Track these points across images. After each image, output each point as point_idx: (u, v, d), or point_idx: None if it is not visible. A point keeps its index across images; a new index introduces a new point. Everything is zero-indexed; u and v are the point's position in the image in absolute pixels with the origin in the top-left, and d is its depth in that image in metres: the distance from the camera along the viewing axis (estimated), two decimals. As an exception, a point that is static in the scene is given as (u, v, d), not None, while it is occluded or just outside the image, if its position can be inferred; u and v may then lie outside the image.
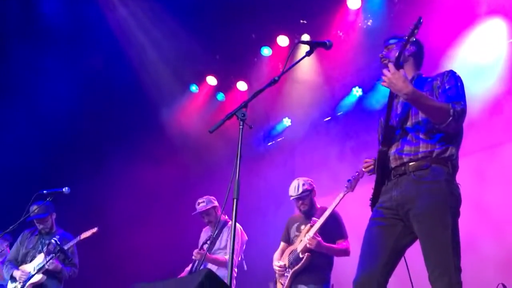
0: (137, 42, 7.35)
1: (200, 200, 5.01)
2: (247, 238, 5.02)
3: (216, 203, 5.02)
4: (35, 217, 4.96)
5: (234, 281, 4.86)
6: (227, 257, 4.75)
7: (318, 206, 4.44)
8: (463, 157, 2.77)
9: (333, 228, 4.27)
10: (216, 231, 4.89)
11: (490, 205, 5.52)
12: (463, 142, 2.79)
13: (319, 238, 4.10)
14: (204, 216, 4.99)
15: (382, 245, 2.67)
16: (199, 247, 5.08)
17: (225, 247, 4.85)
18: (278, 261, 4.38)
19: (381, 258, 2.64)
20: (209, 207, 4.93)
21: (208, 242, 4.82)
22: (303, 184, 4.38)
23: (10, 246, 5.65)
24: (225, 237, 4.87)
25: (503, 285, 4.37)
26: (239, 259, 4.91)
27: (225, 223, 4.98)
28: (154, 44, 7.39)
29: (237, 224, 4.87)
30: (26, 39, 6.85)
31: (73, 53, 7.00)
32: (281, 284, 4.29)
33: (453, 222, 2.56)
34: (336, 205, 4.11)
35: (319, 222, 4.13)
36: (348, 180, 4.04)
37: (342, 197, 4.09)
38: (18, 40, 6.84)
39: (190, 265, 4.97)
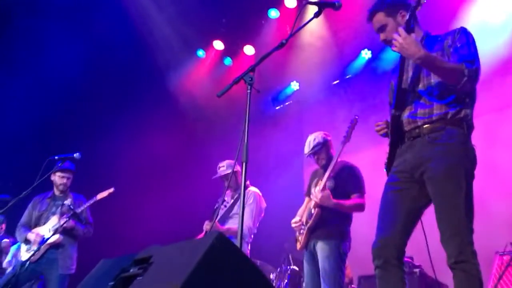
0: (141, 6, 7.25)
1: (221, 164, 4.98)
2: (265, 205, 4.99)
3: (237, 168, 4.98)
4: (67, 167, 5.10)
5: (248, 246, 4.85)
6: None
7: (338, 160, 4.19)
8: (476, 118, 2.74)
9: (348, 182, 4.10)
10: (236, 196, 4.89)
11: (501, 165, 5.51)
12: (477, 102, 2.75)
13: (325, 193, 3.96)
14: (224, 181, 4.97)
15: (399, 209, 2.67)
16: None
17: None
18: (294, 218, 4.27)
19: (398, 222, 2.64)
20: (228, 171, 4.87)
21: (223, 205, 4.78)
22: (315, 139, 4.23)
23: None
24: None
25: (513, 244, 4.41)
26: (257, 225, 4.86)
27: (245, 188, 4.93)
28: (159, 8, 7.28)
29: (256, 190, 4.90)
30: (30, 7, 6.77)
31: (79, 19, 6.92)
32: (299, 242, 4.20)
33: (467, 184, 2.54)
34: (337, 158, 4.03)
35: (325, 177, 4.03)
36: (346, 131, 4.05)
37: (342, 149, 4.04)
38: (23, 9, 6.77)
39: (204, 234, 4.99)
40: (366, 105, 7.01)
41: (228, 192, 5.05)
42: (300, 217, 4.22)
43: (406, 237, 2.66)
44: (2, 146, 6.96)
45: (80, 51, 6.94)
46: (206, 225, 4.74)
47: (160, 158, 7.60)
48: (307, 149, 4.27)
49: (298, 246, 4.21)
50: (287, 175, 7.83)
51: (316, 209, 4.03)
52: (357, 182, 4.12)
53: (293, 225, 4.24)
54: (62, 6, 6.77)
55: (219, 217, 4.79)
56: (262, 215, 4.95)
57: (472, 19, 5.68)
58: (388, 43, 2.80)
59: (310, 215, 4.10)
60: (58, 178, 5.18)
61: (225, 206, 4.80)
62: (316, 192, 4.00)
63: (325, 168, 4.18)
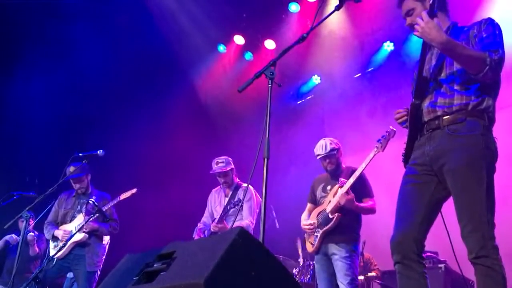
0: (163, 2, 7.29)
1: (219, 160, 4.95)
2: (261, 199, 4.96)
3: (233, 165, 4.99)
4: (72, 177, 5.10)
5: None
6: (243, 222, 4.76)
7: (344, 166, 4.41)
8: (499, 110, 2.67)
9: (359, 188, 4.24)
10: (230, 193, 4.91)
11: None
12: (501, 95, 2.69)
13: (351, 196, 4.08)
14: (221, 177, 4.96)
15: (418, 203, 2.63)
16: (207, 206, 5.11)
17: (241, 208, 4.85)
18: (306, 220, 4.41)
19: (417, 216, 2.61)
20: (228, 168, 4.90)
21: (231, 205, 4.80)
22: (330, 143, 4.35)
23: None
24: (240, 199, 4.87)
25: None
26: (254, 221, 4.86)
27: (238, 185, 4.99)
28: (180, 3, 7.31)
29: (250, 186, 4.87)
30: (56, 11, 6.87)
31: (102, 18, 6.99)
32: (311, 244, 4.32)
33: (488, 177, 2.49)
34: (366, 165, 4.07)
35: (350, 182, 4.11)
36: (378, 140, 3.98)
37: (373, 157, 4.03)
38: (48, 12, 6.87)
39: (201, 227, 5.01)
40: (388, 99, 6.93)
41: (218, 189, 5.10)
42: (313, 220, 4.33)
43: (425, 231, 2.62)
44: (29, 144, 7.11)
45: (102, 49, 7.02)
46: (214, 227, 4.78)
47: (182, 153, 7.64)
48: (321, 151, 4.35)
49: (311, 248, 4.33)
50: (309, 170, 7.79)
51: (337, 214, 4.15)
52: (366, 187, 4.32)
53: (305, 227, 4.35)
54: (87, 7, 6.85)
55: (218, 216, 4.82)
56: (258, 208, 4.94)
57: (499, 10, 5.55)
58: (412, 28, 2.76)
59: (327, 219, 4.20)
60: (72, 183, 5.25)
61: (236, 204, 4.79)
62: (341, 195, 4.08)
63: (332, 173, 4.37)
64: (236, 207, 4.79)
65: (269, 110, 2.51)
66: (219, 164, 4.93)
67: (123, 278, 2.26)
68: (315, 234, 4.27)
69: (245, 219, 4.80)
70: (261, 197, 2.51)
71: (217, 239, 2.08)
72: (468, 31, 2.69)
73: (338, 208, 4.14)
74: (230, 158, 5.01)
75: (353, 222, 4.25)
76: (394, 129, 3.99)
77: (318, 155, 4.38)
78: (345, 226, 4.18)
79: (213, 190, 5.22)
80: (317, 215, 4.33)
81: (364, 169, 4.13)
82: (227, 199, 4.94)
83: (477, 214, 2.44)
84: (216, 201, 5.08)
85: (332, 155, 4.33)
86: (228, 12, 7.32)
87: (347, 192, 4.09)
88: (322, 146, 4.36)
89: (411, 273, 2.57)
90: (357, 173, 4.11)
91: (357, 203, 4.13)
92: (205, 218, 5.13)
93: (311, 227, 4.31)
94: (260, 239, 2.34)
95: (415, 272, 2.56)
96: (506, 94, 3.18)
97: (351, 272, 4.07)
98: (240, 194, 4.89)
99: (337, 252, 4.14)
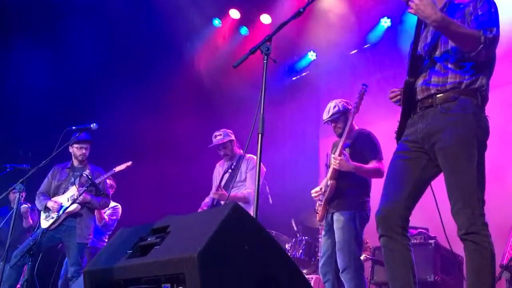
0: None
1: (217, 133, 5.02)
2: (265, 169, 4.99)
3: (233, 137, 5.03)
4: (83, 138, 5.08)
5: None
6: (245, 191, 4.81)
7: (356, 128, 4.19)
8: (494, 89, 2.68)
9: (364, 149, 4.03)
10: (234, 164, 4.92)
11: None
12: (495, 73, 2.69)
13: (343, 157, 3.86)
14: (221, 149, 5.01)
15: (406, 178, 2.65)
16: (213, 181, 5.15)
17: (245, 179, 4.90)
18: (315, 188, 4.19)
19: (404, 191, 2.63)
20: (226, 140, 4.95)
21: (228, 173, 4.83)
22: (335, 106, 4.14)
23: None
24: (244, 170, 4.92)
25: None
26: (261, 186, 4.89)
27: (241, 156, 4.99)
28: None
29: (254, 156, 4.90)
30: None
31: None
32: (318, 213, 4.15)
33: (479, 155, 2.51)
34: (348, 127, 4.00)
35: (340, 143, 3.98)
36: (355, 102, 3.99)
37: (351, 120, 4.01)
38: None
39: (207, 201, 5.06)
40: (385, 76, 6.90)
41: (222, 162, 5.16)
42: (321, 187, 4.14)
43: (410, 206, 2.64)
44: (22, 117, 7.06)
45: (97, 24, 6.95)
46: (214, 194, 4.82)
47: (177, 128, 7.63)
48: (325, 116, 4.21)
49: (317, 217, 4.17)
50: (303, 146, 7.82)
51: (331, 181, 3.98)
52: (373, 147, 4.05)
53: (313, 194, 4.18)
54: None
55: (217, 184, 4.85)
56: (262, 178, 4.94)
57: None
58: (408, 4, 2.73)
59: (326, 186, 4.05)
60: (76, 149, 5.22)
61: (229, 173, 4.83)
62: (334, 158, 3.93)
63: (341, 137, 4.12)
64: (231, 170, 4.81)
65: (264, 85, 2.51)
66: (218, 137, 5.00)
67: (117, 252, 2.28)
68: (320, 202, 4.09)
69: (248, 188, 4.84)
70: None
71: (211, 213, 2.10)
72: (464, 8, 2.67)
73: (336, 173, 3.94)
74: (229, 130, 5.04)
75: (354, 187, 3.97)
76: (364, 87, 4.04)
77: (323, 120, 4.22)
78: (344, 191, 3.96)
79: (217, 164, 5.27)
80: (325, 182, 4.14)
81: (349, 130, 4.01)
82: (230, 171, 4.92)
83: (468, 191, 2.46)
84: (221, 174, 5.09)
85: (337, 119, 4.12)
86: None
87: (340, 154, 3.90)
88: (326, 110, 4.19)
89: (396, 245, 2.60)
90: (344, 135, 3.98)
91: (354, 164, 3.86)
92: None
93: (317, 194, 4.12)
94: (254, 214, 2.36)
95: (399, 244, 2.60)
96: (501, 73, 3.17)
97: (347, 245, 3.83)
98: (243, 165, 4.92)
99: (336, 223, 3.95)
